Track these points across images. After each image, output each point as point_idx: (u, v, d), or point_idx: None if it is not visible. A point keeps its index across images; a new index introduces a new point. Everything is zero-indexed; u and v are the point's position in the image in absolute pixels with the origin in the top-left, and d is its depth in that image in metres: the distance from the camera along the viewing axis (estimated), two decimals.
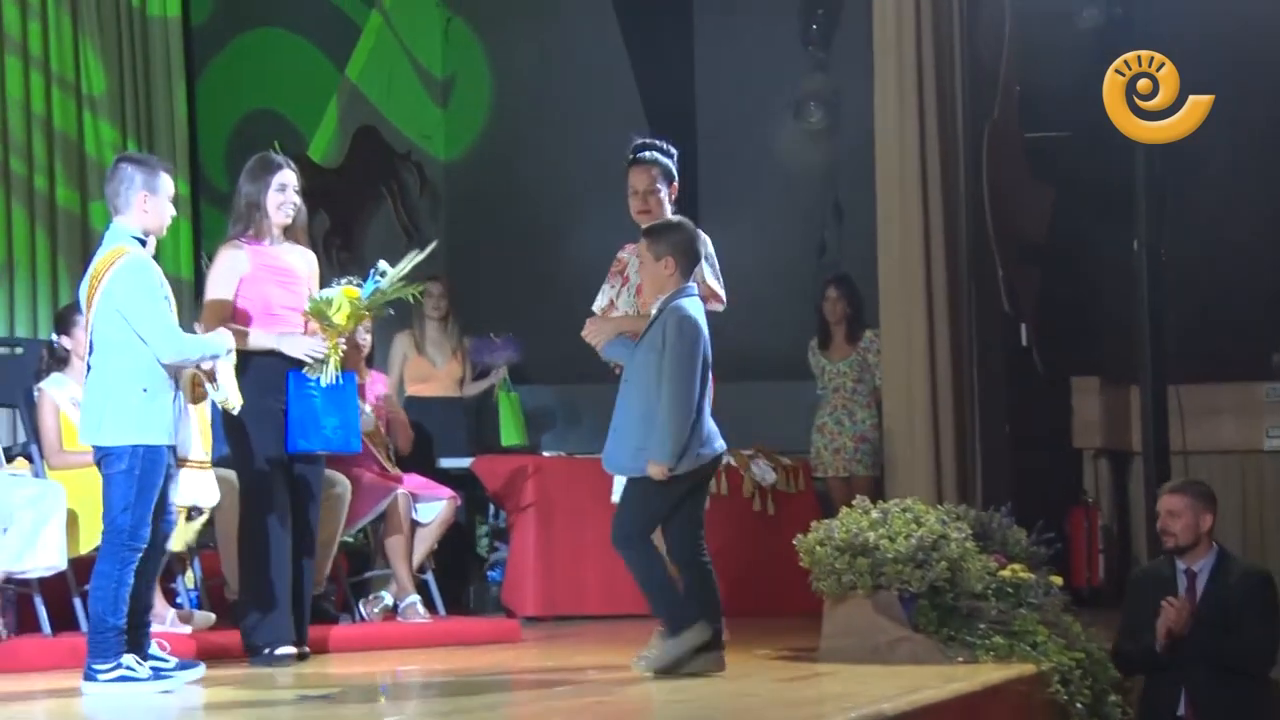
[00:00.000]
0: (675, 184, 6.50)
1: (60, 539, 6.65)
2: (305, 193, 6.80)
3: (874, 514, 6.43)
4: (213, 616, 7.12)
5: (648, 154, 6.48)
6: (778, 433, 9.33)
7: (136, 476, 5.72)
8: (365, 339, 7.83)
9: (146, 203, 5.84)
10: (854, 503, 6.60)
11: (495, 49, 11.15)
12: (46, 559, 6.64)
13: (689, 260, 6.00)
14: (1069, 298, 9.78)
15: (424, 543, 7.91)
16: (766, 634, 7.40)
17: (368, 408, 7.79)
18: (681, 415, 5.82)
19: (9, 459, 7.21)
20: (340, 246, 10.58)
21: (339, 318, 6.51)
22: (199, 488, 6.64)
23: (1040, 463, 9.44)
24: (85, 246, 9.17)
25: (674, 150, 6.55)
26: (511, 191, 11.13)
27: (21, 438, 7.65)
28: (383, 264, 6.68)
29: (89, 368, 5.85)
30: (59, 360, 7.29)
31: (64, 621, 6.82)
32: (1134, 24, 8.82)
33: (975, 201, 8.85)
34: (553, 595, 8.67)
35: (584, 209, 9.87)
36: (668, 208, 6.44)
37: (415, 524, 7.89)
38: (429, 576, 8.01)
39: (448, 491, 8.04)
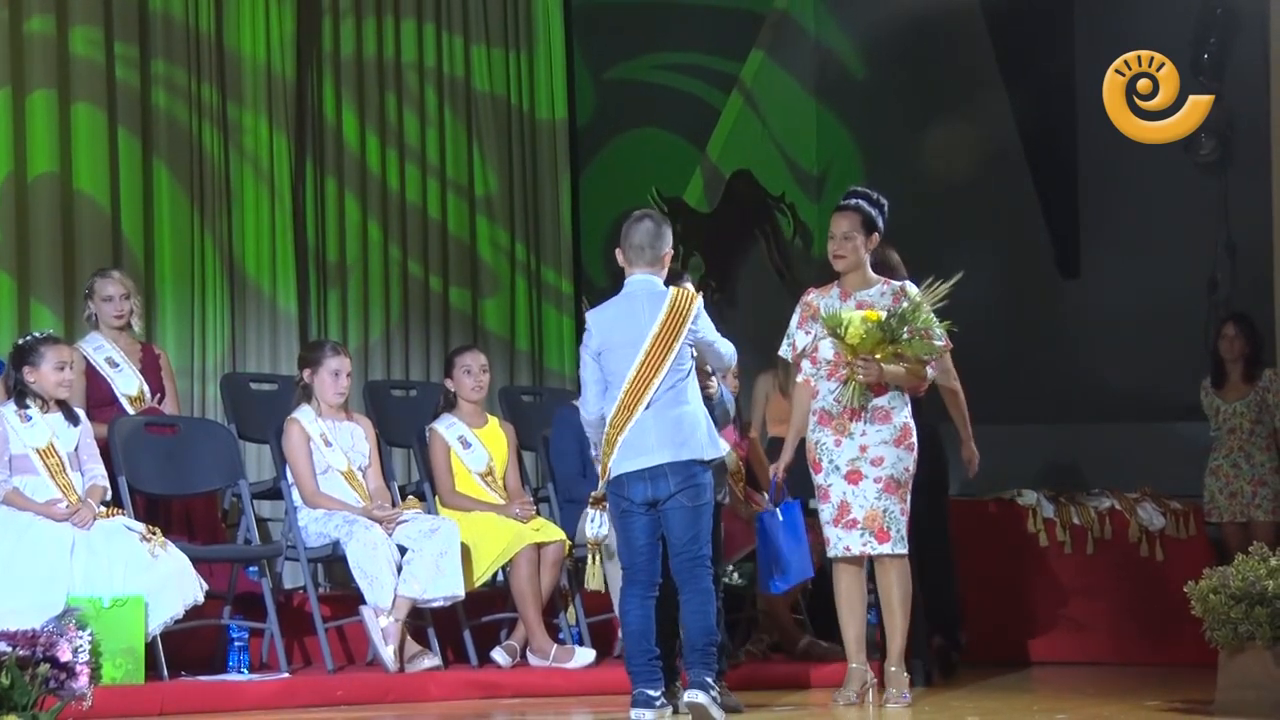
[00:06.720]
0: (876, 235, 6.57)
1: (459, 569, 6.95)
2: (680, 236, 6.83)
3: (1273, 561, 6.19)
4: (593, 653, 7.24)
5: (852, 200, 6.60)
6: (1167, 475, 8.99)
7: None
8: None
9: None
10: (1251, 549, 6.37)
11: (863, 132, 10.95)
12: (449, 587, 6.96)
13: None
14: None
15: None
16: (1156, 684, 7.18)
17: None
18: None
19: (403, 497, 7.54)
20: (715, 288, 10.67)
21: (849, 335, 6.42)
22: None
23: None
24: (475, 337, 9.54)
25: (884, 201, 6.61)
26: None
27: (415, 476, 7.97)
28: (911, 287, 6.59)
29: (661, 394, 5.93)
30: (449, 403, 7.60)
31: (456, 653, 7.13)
32: None
33: None
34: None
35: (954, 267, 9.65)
36: (863, 255, 6.54)
37: None
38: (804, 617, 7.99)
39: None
